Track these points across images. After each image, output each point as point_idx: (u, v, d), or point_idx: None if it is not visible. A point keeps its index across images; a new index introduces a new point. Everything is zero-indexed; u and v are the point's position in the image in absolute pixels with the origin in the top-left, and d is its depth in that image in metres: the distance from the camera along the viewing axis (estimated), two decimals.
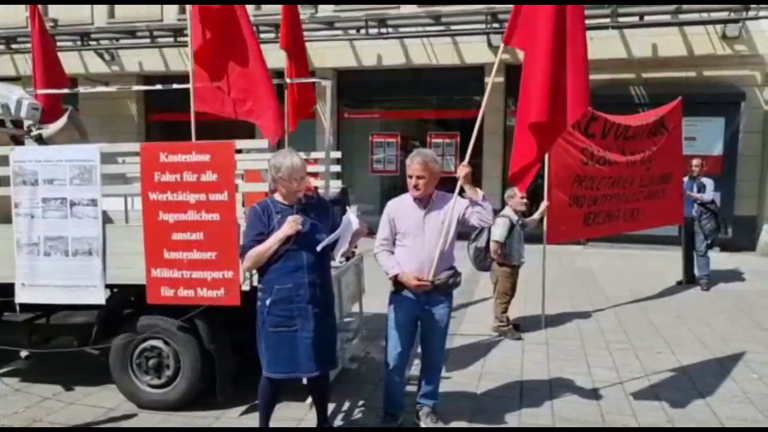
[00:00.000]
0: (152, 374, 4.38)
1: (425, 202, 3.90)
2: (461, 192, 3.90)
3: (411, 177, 3.85)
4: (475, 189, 3.86)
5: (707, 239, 8.31)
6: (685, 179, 8.17)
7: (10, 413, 4.34)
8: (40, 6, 7.63)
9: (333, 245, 3.63)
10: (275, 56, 6.99)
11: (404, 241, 3.89)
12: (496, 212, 4.15)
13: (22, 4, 11.72)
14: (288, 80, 6.19)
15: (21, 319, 4.71)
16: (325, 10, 12.70)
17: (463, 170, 3.87)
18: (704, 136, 10.98)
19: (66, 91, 6.88)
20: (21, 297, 4.35)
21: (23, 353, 4.76)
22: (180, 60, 13.27)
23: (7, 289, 4.35)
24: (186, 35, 11.11)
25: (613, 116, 6.79)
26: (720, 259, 9.80)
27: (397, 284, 3.90)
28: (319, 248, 3.53)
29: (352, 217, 3.62)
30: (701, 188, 8.26)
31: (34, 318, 4.79)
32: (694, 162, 8.37)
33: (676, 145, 7.50)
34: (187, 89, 5.66)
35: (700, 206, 8.28)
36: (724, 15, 10.76)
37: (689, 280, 8.51)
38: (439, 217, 3.86)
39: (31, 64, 7.56)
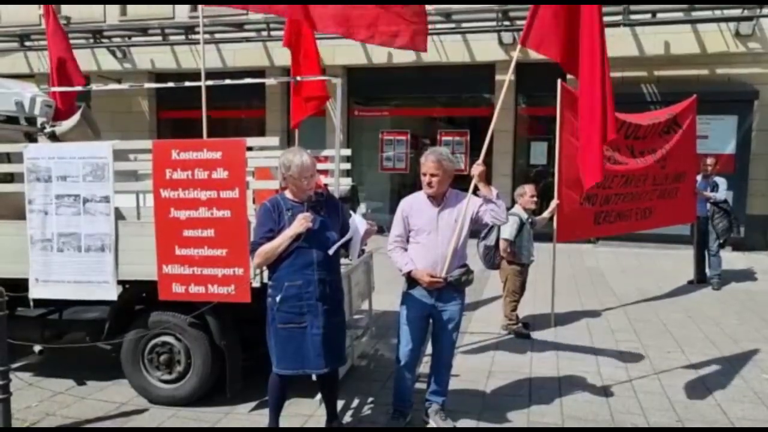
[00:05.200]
0: (163, 370, 4.42)
1: (439, 200, 3.91)
2: (475, 190, 3.91)
3: (425, 175, 3.86)
4: (489, 187, 3.88)
5: (719, 238, 8.27)
6: (699, 178, 8.12)
7: (23, 407, 4.38)
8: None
9: (346, 246, 3.65)
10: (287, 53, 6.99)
11: (418, 239, 3.91)
12: (507, 210, 4.17)
13: (36, 4, 11.83)
14: (297, 78, 6.20)
15: (34, 314, 4.77)
16: None
17: (477, 168, 3.89)
18: (717, 135, 10.88)
19: (79, 88, 6.93)
20: (34, 292, 4.41)
21: (36, 348, 4.79)
22: (191, 57, 13.34)
23: (21, 285, 4.39)
24: (197, 32, 11.16)
25: (624, 114, 6.73)
26: (732, 259, 9.74)
27: (410, 281, 3.92)
28: (331, 252, 3.57)
29: (358, 218, 3.64)
30: (714, 187, 8.22)
31: (47, 313, 4.84)
32: (708, 160, 8.33)
33: (691, 144, 7.43)
34: (198, 87, 5.69)
35: (713, 205, 8.23)
36: (737, 12, 10.65)
37: (700, 279, 8.47)
38: (453, 214, 3.88)
39: (46, 62, 7.62)
